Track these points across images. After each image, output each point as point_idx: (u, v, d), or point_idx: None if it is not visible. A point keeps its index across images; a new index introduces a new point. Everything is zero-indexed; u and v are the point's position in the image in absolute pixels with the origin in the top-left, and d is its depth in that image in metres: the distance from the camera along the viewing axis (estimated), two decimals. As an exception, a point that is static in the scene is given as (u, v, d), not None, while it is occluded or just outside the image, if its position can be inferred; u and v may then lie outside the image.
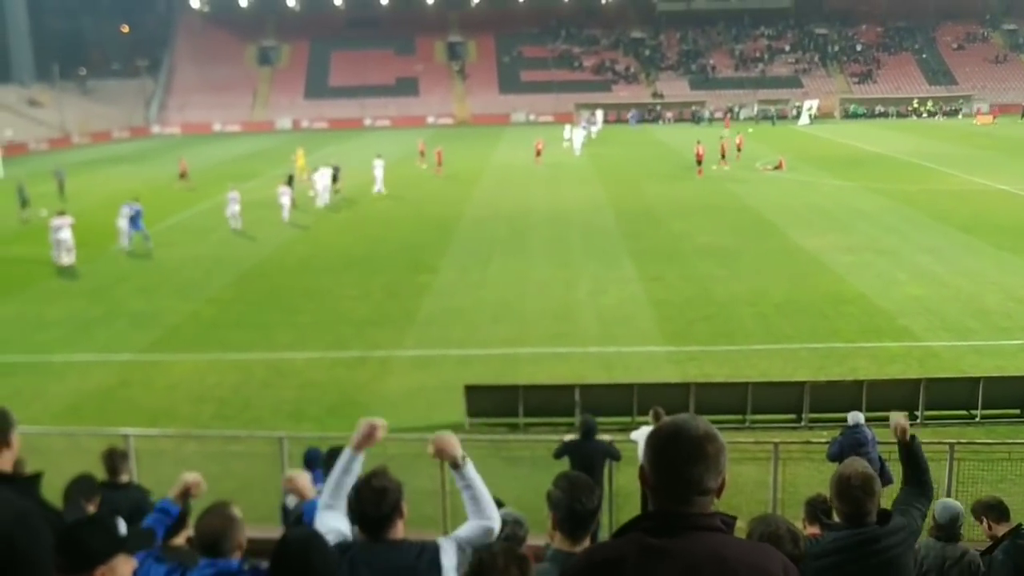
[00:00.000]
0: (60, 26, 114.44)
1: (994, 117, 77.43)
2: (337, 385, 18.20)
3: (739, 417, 15.80)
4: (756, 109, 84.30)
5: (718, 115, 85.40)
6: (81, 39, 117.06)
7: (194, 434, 14.85)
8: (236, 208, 33.76)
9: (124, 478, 7.91)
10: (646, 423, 11.91)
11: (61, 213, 29.45)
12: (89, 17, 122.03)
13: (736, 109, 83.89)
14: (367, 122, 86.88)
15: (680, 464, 2.78)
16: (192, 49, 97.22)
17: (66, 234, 28.35)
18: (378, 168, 43.06)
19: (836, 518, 4.74)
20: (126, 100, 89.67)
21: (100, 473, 7.93)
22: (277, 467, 12.74)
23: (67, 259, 28.35)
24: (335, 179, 40.56)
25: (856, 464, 4.74)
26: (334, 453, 7.89)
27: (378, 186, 42.75)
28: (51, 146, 72.49)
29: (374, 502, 4.15)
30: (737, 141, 53.90)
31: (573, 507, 4.16)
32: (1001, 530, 6.86)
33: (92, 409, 16.97)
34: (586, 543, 4.12)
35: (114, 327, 22.23)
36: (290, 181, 37.63)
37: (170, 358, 19.88)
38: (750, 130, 68.26)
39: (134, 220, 31.23)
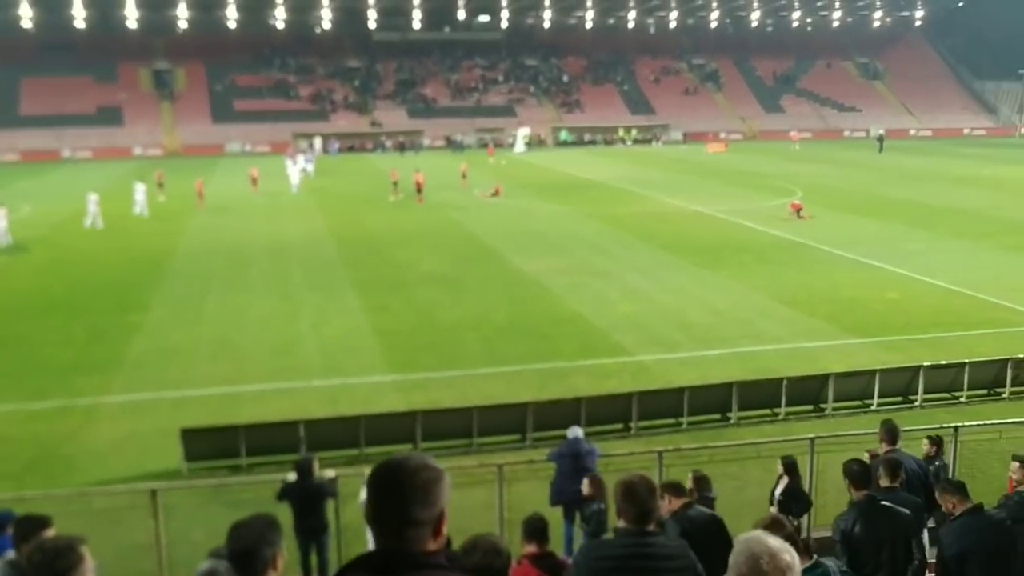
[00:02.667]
0: None
1: (726, 146, 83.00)
2: (36, 439, 16.67)
3: (466, 441, 15.97)
4: (474, 137, 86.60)
5: (438, 143, 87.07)
6: None
7: None
8: None
9: None
10: None
11: None
12: None
13: (458, 138, 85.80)
14: (66, 154, 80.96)
15: (388, 498, 2.78)
16: None
17: None
18: (139, 192, 43.36)
19: (621, 523, 4.98)
20: None
21: None
22: (-38, 537, 11.39)
23: None
24: None
25: (637, 473, 5.20)
26: (24, 523, 7.11)
27: (140, 208, 42.59)
28: None
29: (43, 563, 3.72)
30: (462, 169, 55.16)
31: (232, 552, 4.05)
32: (677, 504, 8.13)
33: None
34: None
35: None
36: None
37: None
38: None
39: None
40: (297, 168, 54.73)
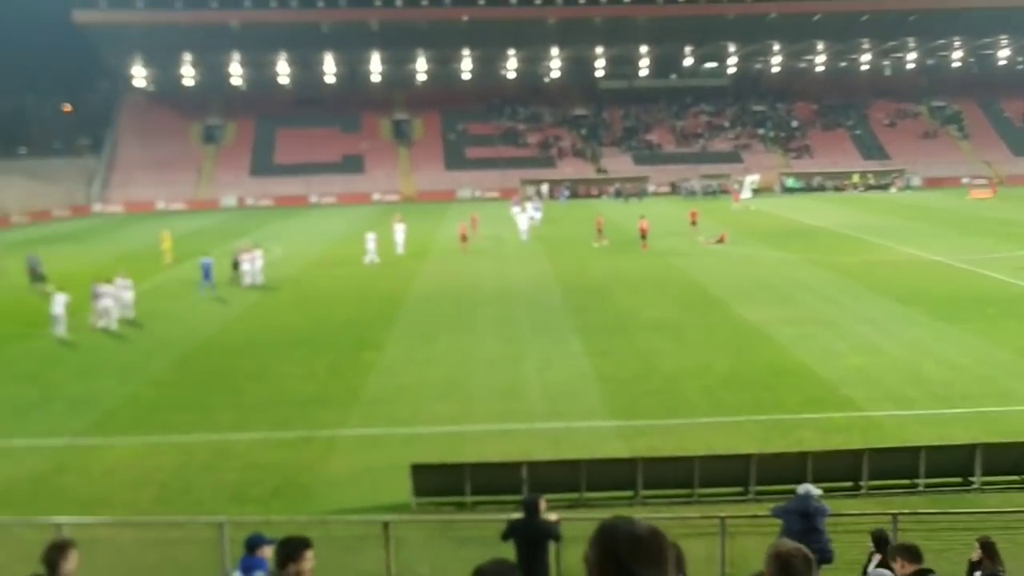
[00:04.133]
0: (1, 106, 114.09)
1: (993, 191, 76.81)
2: (281, 466, 17.86)
3: (687, 491, 15.79)
4: (699, 183, 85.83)
5: (662, 189, 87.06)
6: (22, 118, 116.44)
7: (132, 521, 14.43)
8: (105, 303, 30.69)
9: (68, 568, 7.53)
10: None
11: (60, 290, 30.17)
12: (31, 96, 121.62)
13: (690, 184, 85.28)
14: (313, 199, 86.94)
15: (655, 566, 2.72)
16: (136, 127, 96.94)
17: (60, 308, 29.12)
18: (399, 232, 47.49)
19: None
20: (68, 179, 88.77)
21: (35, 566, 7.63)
22: (217, 553, 12.42)
23: (59, 330, 29.15)
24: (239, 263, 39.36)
25: (793, 543, 4.67)
26: (288, 545, 7.72)
27: (400, 248, 46.95)
28: (-11, 226, 71.33)
29: None
30: (691, 215, 54.61)
31: None
32: (910, 569, 7.70)
33: (24, 496, 16.47)
34: None
35: (50, 411, 21.65)
36: (236, 266, 38.87)
37: (108, 442, 19.38)
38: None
39: (206, 273, 36.36)
40: (526, 216, 55.49)
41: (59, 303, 29.25)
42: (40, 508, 15.19)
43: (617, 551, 2.72)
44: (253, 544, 9.51)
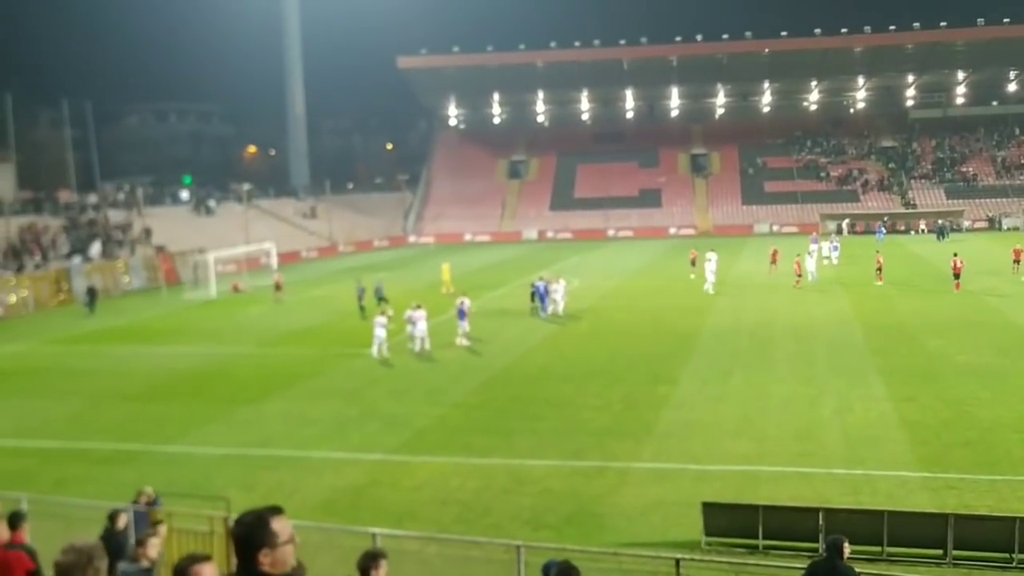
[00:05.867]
0: (333, 145, 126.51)
1: None
2: (575, 495, 18.29)
3: (1005, 555, 14.55)
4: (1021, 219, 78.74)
5: (978, 225, 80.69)
6: (350, 156, 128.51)
7: (437, 537, 15.35)
8: (421, 327, 32.61)
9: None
10: None
11: (383, 312, 33.51)
12: (359, 136, 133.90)
13: (998, 219, 78.73)
14: (610, 233, 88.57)
15: None
16: (448, 163, 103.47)
17: (380, 331, 31.87)
18: (712, 262, 46.41)
19: None
20: (387, 212, 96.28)
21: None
22: (514, 575, 12.95)
23: (376, 351, 31.96)
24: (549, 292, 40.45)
25: None
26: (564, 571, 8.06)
27: (713, 276, 45.90)
28: (319, 254, 78.61)
29: None
30: (1014, 253, 50.04)
31: None
32: None
33: (344, 505, 17.97)
34: None
35: (367, 427, 23.52)
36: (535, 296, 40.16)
37: (417, 460, 20.75)
38: None
39: (541, 298, 39.03)
40: (818, 255, 52.34)
41: (380, 325, 31.74)
42: (358, 518, 16.56)
43: None
44: (548, 570, 9.89)
